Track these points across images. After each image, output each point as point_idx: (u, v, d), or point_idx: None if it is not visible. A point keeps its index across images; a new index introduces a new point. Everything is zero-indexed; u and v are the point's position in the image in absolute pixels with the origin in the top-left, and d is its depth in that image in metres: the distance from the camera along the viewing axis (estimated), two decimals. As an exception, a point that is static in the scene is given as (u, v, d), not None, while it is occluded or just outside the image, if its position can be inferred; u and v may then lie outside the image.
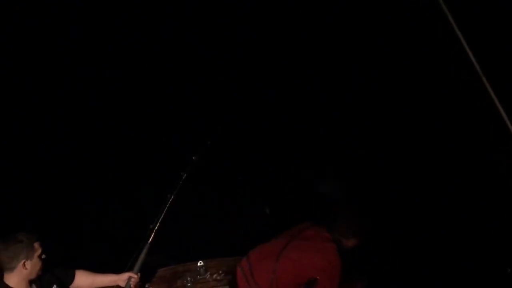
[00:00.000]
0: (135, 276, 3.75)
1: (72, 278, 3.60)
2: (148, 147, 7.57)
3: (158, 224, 3.97)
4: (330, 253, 3.70)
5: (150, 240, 3.91)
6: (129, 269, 3.81)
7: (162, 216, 3.99)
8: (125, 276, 3.73)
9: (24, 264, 3.08)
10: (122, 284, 3.73)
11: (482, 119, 5.80)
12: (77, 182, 6.87)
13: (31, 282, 3.22)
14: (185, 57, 9.72)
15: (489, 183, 5.88)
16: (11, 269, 3.07)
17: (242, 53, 7.87)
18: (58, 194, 6.59)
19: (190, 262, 4.83)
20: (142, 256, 3.85)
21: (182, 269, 4.76)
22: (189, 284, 4.58)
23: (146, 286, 4.52)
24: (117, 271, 3.80)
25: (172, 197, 4.07)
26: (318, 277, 3.65)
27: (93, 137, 7.65)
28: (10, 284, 3.09)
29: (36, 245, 3.15)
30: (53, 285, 3.41)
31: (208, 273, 4.67)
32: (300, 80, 7.60)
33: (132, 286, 3.75)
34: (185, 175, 4.14)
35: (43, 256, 3.20)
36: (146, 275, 4.48)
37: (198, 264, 4.69)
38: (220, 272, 4.67)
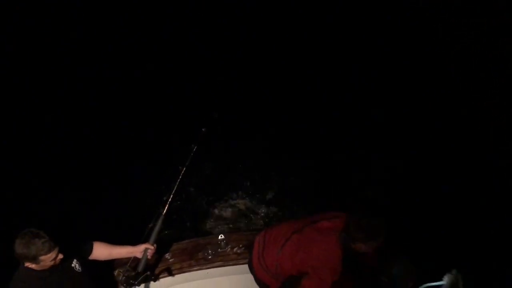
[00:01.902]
0: (152, 247, 3.83)
1: (90, 249, 3.70)
2: (159, 121, 7.70)
3: (172, 196, 4.02)
4: (329, 253, 3.62)
5: (164, 211, 3.98)
6: (145, 240, 3.89)
7: (175, 188, 4.04)
8: (141, 247, 3.82)
9: (40, 261, 3.17)
10: (139, 255, 3.82)
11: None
12: (93, 157, 7.04)
13: None
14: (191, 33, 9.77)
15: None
16: (31, 262, 3.17)
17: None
18: (75, 169, 6.76)
19: (211, 236, 4.85)
20: (157, 227, 3.93)
21: (203, 242, 4.76)
22: (210, 257, 4.60)
23: (168, 257, 4.57)
24: (134, 243, 3.86)
25: (184, 168, 4.11)
26: (309, 272, 3.65)
27: (109, 115, 7.81)
28: (31, 267, 3.22)
29: (54, 249, 3.20)
30: (73, 260, 3.52)
31: (229, 246, 4.67)
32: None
33: (148, 257, 3.84)
34: (195, 147, 4.17)
35: (60, 256, 3.26)
36: (168, 247, 4.62)
37: (219, 237, 4.69)
38: (241, 246, 4.68)
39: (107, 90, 8.74)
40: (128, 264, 3.82)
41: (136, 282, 3.67)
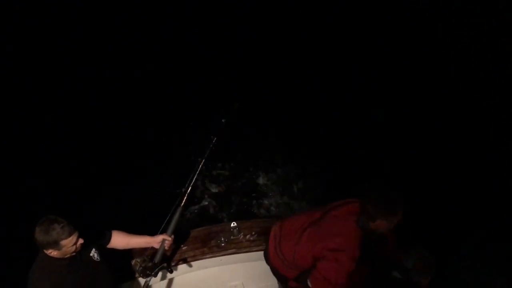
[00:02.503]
0: (169, 238, 3.85)
1: (109, 238, 3.71)
2: (179, 112, 7.68)
3: (190, 188, 4.01)
4: (348, 238, 3.54)
5: (182, 203, 3.98)
6: (163, 231, 3.90)
7: (193, 180, 4.03)
8: (159, 238, 3.83)
9: (62, 246, 3.17)
10: (156, 246, 3.84)
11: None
12: (112, 148, 7.05)
13: None
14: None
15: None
16: (53, 248, 3.17)
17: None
18: (94, 161, 6.78)
19: (223, 223, 4.87)
20: (175, 219, 3.93)
21: (216, 229, 4.78)
22: (223, 244, 4.62)
23: (181, 245, 4.60)
24: (151, 234, 3.89)
25: (203, 160, 4.09)
26: (326, 255, 3.59)
27: (129, 106, 7.82)
28: (52, 255, 3.22)
29: (74, 233, 3.20)
30: (92, 249, 3.53)
31: (241, 234, 4.69)
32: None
33: (166, 248, 3.86)
34: (215, 138, 4.14)
35: (80, 242, 3.25)
36: (181, 235, 4.62)
37: (232, 225, 4.69)
38: (253, 233, 4.71)
39: (131, 81, 8.80)
40: (146, 255, 3.84)
41: (153, 273, 3.69)
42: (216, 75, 8.72)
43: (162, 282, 4.56)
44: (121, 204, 6.07)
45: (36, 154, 7.29)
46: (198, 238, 4.71)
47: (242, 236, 4.71)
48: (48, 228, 3.09)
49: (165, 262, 3.87)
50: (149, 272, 3.69)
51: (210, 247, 4.65)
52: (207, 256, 4.58)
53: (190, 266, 4.53)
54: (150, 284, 3.80)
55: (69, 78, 8.81)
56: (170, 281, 4.65)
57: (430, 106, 8.13)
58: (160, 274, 4.31)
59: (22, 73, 8.79)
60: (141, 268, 3.72)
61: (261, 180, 6.88)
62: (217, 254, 4.60)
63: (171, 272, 3.89)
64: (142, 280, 3.87)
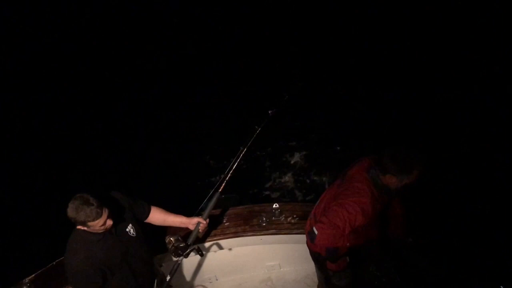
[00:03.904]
0: (204, 221, 3.95)
1: (148, 212, 3.83)
2: (226, 100, 7.69)
3: (229, 175, 4.08)
4: (361, 190, 3.47)
5: (220, 189, 4.07)
6: (199, 214, 4.04)
7: (234, 167, 4.09)
8: (194, 220, 3.93)
9: (90, 226, 3.26)
10: (191, 227, 3.95)
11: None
12: (156, 133, 7.27)
13: None
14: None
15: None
16: (81, 226, 3.28)
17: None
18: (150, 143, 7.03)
19: (265, 204, 4.93)
20: (211, 204, 4.03)
21: (258, 209, 4.84)
22: (264, 224, 4.69)
23: (224, 220, 4.75)
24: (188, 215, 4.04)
25: (245, 149, 4.14)
26: (340, 202, 3.54)
27: (178, 92, 7.99)
28: (83, 229, 3.32)
29: (102, 216, 3.25)
30: (128, 224, 3.63)
31: (283, 216, 4.73)
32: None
33: (200, 230, 3.97)
34: (259, 129, 4.15)
35: (110, 223, 3.32)
36: (224, 212, 4.80)
37: (274, 206, 4.74)
38: (295, 216, 4.72)
39: (174, 69, 8.98)
40: (180, 234, 3.96)
41: (184, 254, 3.82)
42: (264, 66, 8.65)
43: (198, 256, 4.75)
44: (163, 185, 6.33)
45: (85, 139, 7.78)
46: (240, 216, 4.81)
47: (283, 218, 4.73)
48: (78, 208, 3.16)
49: (198, 244, 3.99)
50: (181, 252, 3.81)
51: (251, 225, 4.73)
52: (248, 234, 4.68)
53: (231, 242, 4.67)
54: (180, 262, 3.96)
55: (115, 69, 9.10)
56: (211, 254, 4.84)
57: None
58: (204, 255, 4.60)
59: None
60: (173, 247, 3.82)
61: (303, 164, 6.83)
62: (257, 233, 4.68)
63: (201, 255, 4.02)
64: (173, 257, 3.99)
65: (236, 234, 4.67)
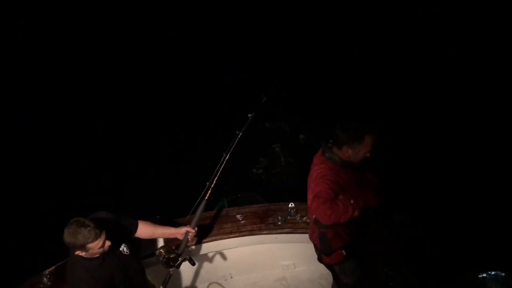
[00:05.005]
0: (192, 230, 3.98)
1: (135, 227, 3.85)
2: (204, 106, 7.43)
3: (214, 182, 4.05)
4: (317, 168, 3.60)
5: (207, 197, 4.07)
6: (187, 224, 4.08)
7: (218, 174, 4.06)
8: (183, 230, 3.97)
9: (89, 249, 3.27)
10: (180, 237, 3.99)
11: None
12: (141, 140, 7.53)
13: None
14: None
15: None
16: (80, 250, 3.28)
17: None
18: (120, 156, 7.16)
19: (281, 203, 4.84)
20: (199, 212, 4.06)
21: (273, 207, 4.80)
22: (279, 223, 4.64)
23: (239, 218, 4.75)
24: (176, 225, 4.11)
25: (228, 156, 4.09)
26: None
27: (155, 101, 8.17)
28: (81, 255, 3.35)
29: (101, 236, 3.26)
30: (121, 244, 3.67)
31: (298, 215, 4.64)
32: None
33: (189, 239, 4.01)
34: (240, 133, 4.05)
35: (108, 243, 3.33)
36: (240, 210, 4.86)
37: (289, 205, 4.67)
38: (310, 215, 4.60)
39: (157, 72, 9.02)
40: (169, 245, 4.06)
41: (175, 265, 3.89)
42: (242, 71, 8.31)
43: (213, 253, 4.83)
44: (147, 196, 6.35)
45: (61, 147, 7.87)
46: (256, 214, 4.80)
47: (299, 217, 4.66)
48: (75, 232, 3.15)
49: (188, 255, 4.01)
50: (172, 263, 3.88)
51: (267, 224, 4.71)
52: (264, 232, 4.66)
53: (247, 240, 4.68)
54: (172, 273, 4.03)
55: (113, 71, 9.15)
56: (226, 252, 4.85)
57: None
58: (207, 246, 4.64)
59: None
60: (164, 259, 3.88)
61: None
62: (273, 232, 4.64)
63: (193, 264, 4.05)
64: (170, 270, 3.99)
65: (251, 232, 4.68)
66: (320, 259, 4.13)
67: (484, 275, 4.30)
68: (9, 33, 9.65)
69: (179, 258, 3.93)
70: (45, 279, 4.37)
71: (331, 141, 3.60)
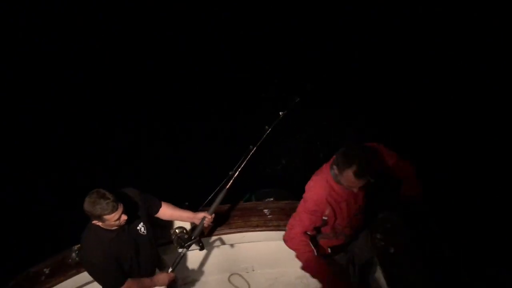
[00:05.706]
0: (209, 216, 4.01)
1: (158, 208, 3.95)
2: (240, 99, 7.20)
3: (237, 173, 4.06)
4: (314, 185, 3.72)
5: (228, 186, 4.07)
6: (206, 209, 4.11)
7: (242, 165, 4.07)
8: (200, 215, 4.01)
9: (106, 220, 3.37)
10: (197, 222, 4.05)
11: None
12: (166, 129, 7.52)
13: None
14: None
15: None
16: (97, 220, 3.40)
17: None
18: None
19: (309, 201, 4.74)
20: (218, 200, 4.07)
21: (300, 204, 4.73)
22: (305, 221, 4.57)
23: (267, 213, 4.73)
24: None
25: (254, 148, 4.08)
26: None
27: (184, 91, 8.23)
28: (98, 224, 3.47)
29: (118, 210, 3.32)
30: (139, 223, 3.76)
31: (325, 213, 4.54)
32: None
33: (205, 225, 4.05)
34: (269, 129, 4.03)
35: (124, 217, 3.42)
36: (267, 205, 4.86)
37: (317, 204, 4.57)
38: (336, 213, 4.48)
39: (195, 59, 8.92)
40: (185, 228, 4.11)
41: (186, 245, 3.97)
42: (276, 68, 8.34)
43: (238, 245, 4.86)
44: (173, 181, 6.41)
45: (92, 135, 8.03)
46: (283, 210, 4.77)
47: (325, 216, 4.55)
48: (94, 202, 3.25)
49: (201, 237, 4.07)
50: (183, 243, 3.97)
51: (293, 220, 4.66)
52: None
53: (273, 234, 4.65)
54: (183, 255, 4.09)
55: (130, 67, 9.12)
56: (251, 245, 4.89)
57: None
58: (232, 237, 4.68)
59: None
60: (177, 237, 4.00)
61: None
62: None
63: (201, 249, 4.10)
64: (180, 249, 4.07)
65: (277, 228, 4.65)
66: None
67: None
68: (9, 33, 9.78)
69: (190, 240, 3.99)
70: (73, 254, 4.47)
71: None
